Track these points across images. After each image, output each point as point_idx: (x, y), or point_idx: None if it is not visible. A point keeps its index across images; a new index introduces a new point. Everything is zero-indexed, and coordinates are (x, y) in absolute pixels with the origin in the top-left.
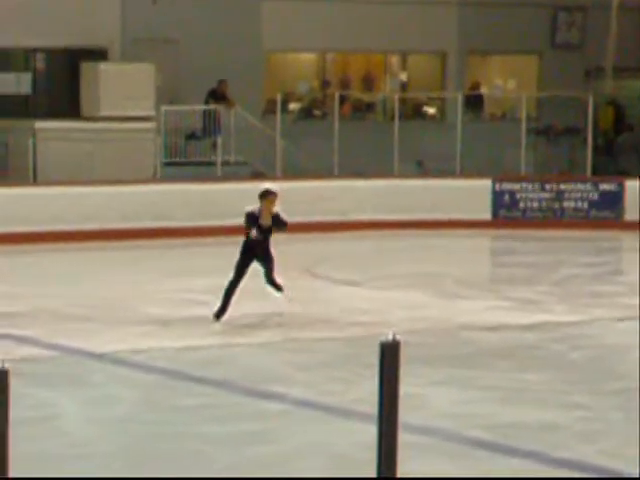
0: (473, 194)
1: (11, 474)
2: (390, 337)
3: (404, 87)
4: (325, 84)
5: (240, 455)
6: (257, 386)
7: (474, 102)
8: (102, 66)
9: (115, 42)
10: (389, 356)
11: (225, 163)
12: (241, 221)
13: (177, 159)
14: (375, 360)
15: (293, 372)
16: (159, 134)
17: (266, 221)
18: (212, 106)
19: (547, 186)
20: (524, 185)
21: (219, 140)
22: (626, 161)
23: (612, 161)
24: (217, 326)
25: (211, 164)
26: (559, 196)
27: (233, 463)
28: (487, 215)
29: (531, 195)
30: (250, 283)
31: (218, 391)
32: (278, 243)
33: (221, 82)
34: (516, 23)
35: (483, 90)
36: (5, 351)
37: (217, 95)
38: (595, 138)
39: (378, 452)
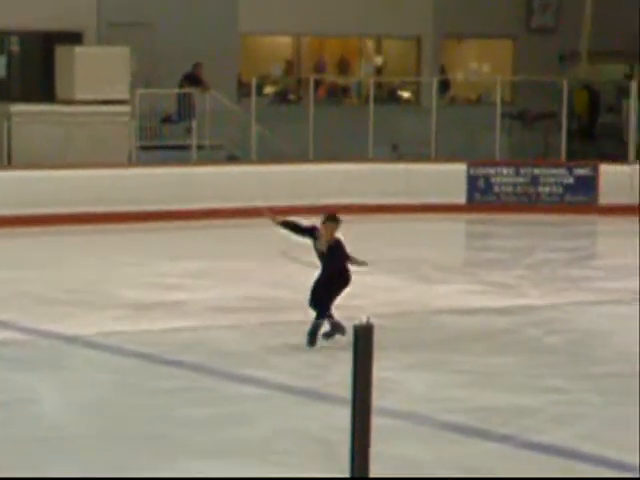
0: (448, 178)
1: None
2: (364, 320)
3: (379, 71)
4: (292, 67)
5: (218, 438)
6: (234, 370)
7: (441, 86)
8: (77, 49)
9: (90, 25)
10: (362, 340)
11: (200, 147)
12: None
13: (152, 143)
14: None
15: (270, 356)
16: (134, 118)
17: (322, 246)
18: (187, 90)
19: (522, 170)
20: (499, 169)
21: (194, 124)
22: (605, 145)
23: (591, 145)
24: (194, 309)
25: (186, 148)
26: (534, 180)
27: (211, 446)
28: (462, 199)
29: (506, 179)
30: (231, 266)
31: (195, 374)
32: (255, 226)
33: (196, 65)
34: (491, 7)
35: (457, 74)
36: None
37: (192, 78)
38: (570, 122)
39: (352, 435)
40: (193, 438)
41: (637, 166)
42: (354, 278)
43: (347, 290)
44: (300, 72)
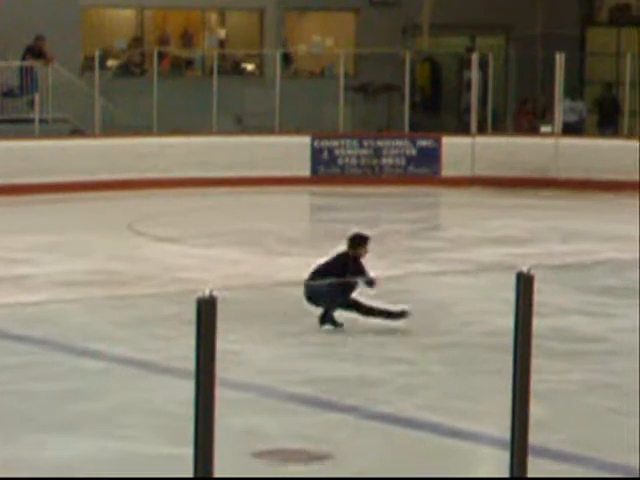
0: (292, 151)
1: None
2: (207, 293)
3: (223, 44)
4: (136, 40)
5: (63, 412)
6: (78, 344)
7: (285, 60)
8: None
9: None
10: (206, 312)
11: (43, 120)
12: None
13: None
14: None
15: (114, 329)
16: None
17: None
18: (29, 63)
19: (365, 142)
20: (342, 142)
21: (37, 97)
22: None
23: (434, 116)
24: (39, 284)
25: (29, 121)
26: (377, 152)
27: (56, 421)
28: (306, 172)
29: (349, 152)
30: (76, 240)
31: (39, 349)
32: (97, 199)
33: (38, 38)
34: None
35: (300, 47)
36: None
37: (34, 51)
38: (412, 95)
39: (195, 408)
40: (37, 413)
41: (478, 138)
42: (198, 251)
43: (192, 262)
44: (143, 45)
